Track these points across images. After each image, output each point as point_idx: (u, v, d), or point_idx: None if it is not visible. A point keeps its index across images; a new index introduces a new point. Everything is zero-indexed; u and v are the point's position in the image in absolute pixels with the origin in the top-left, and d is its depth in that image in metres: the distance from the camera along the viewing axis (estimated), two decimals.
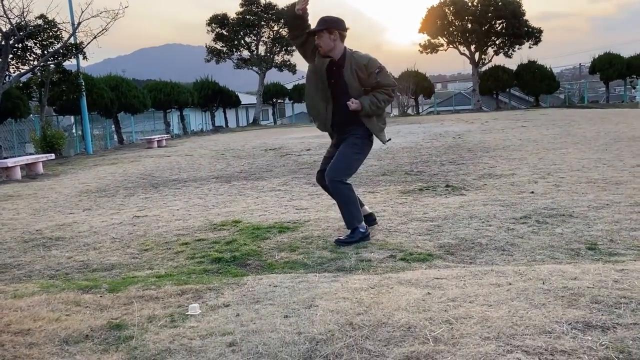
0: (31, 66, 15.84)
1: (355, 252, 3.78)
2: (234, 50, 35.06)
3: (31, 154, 16.48)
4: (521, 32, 32.84)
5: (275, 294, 2.86)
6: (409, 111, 36.05)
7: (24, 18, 14.17)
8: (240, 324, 2.44)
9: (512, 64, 35.44)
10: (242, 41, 34.81)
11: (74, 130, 22.80)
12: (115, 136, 22.73)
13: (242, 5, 34.23)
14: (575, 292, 2.58)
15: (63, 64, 17.21)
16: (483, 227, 4.28)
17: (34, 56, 16.03)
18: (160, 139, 19.40)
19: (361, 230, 4.03)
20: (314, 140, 15.08)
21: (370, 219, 4.44)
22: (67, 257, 4.20)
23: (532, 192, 5.67)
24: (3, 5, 13.40)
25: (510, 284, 2.76)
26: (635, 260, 3.20)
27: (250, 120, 37.88)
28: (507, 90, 35.49)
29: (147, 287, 3.12)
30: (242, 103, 37.33)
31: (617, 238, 3.77)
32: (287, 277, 3.20)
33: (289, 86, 39.66)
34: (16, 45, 14.97)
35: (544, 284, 2.73)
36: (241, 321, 2.48)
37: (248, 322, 2.46)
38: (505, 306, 2.46)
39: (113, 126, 22.98)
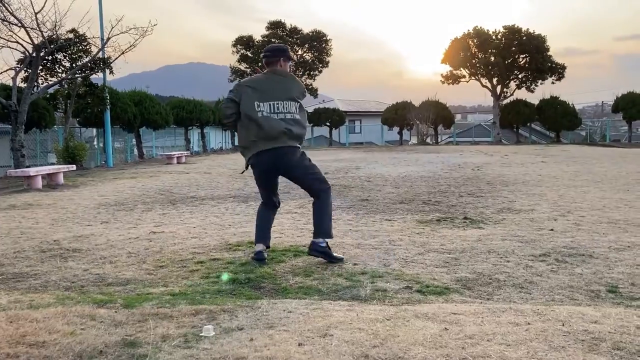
0: (59, 78, 16.18)
1: (371, 281, 3.74)
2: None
3: (53, 163, 16.74)
4: (544, 67, 32.78)
5: (289, 319, 2.83)
6: (428, 140, 36.02)
7: (56, 31, 14.52)
8: (254, 349, 2.42)
9: (534, 98, 35.26)
10: None
11: (95, 143, 23.15)
12: (136, 150, 23.01)
13: (267, 28, 34.80)
14: (596, 337, 2.52)
15: (90, 77, 17.56)
16: (501, 263, 4.23)
17: (63, 68, 16.38)
18: (180, 155, 19.58)
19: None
20: (332, 164, 15.11)
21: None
22: (83, 269, 4.23)
23: (552, 230, 5.60)
24: (37, 19, 13.76)
25: (529, 323, 2.71)
26: None
27: None
28: (528, 124, 35.32)
29: (161, 304, 3.12)
30: None
31: (639, 282, 3.69)
32: (301, 303, 3.17)
33: (310, 109, 39.93)
34: (46, 57, 15.32)
35: (563, 325, 2.67)
36: (255, 346, 2.46)
37: (262, 348, 2.44)
38: (524, 347, 2.40)
39: (134, 140, 23.28)
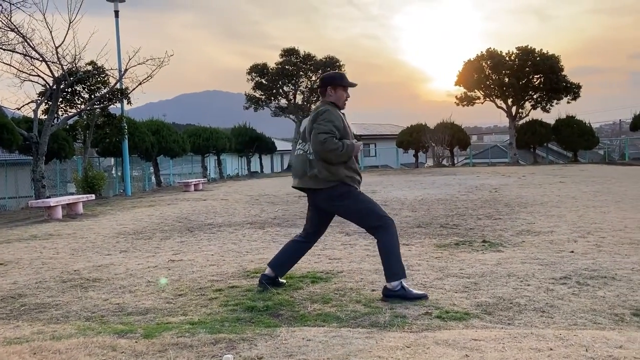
0: (78, 109, 16.52)
1: (390, 307, 3.72)
2: (272, 98, 35.91)
3: (72, 193, 16.99)
4: (559, 87, 32.67)
5: (308, 348, 2.83)
6: (444, 162, 35.92)
7: (75, 64, 14.88)
8: None
9: (550, 118, 35.07)
10: (281, 90, 35.66)
11: (113, 172, 23.47)
12: (154, 178, 23.27)
13: (282, 55, 35.25)
14: None
15: (108, 108, 17.90)
16: (521, 287, 4.18)
17: (82, 100, 16.73)
18: (197, 182, 19.76)
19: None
20: None
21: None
22: (103, 299, 4.27)
23: (572, 252, 5.53)
24: (57, 53, 14.13)
25: (551, 349, 2.67)
26: None
27: (285, 167, 38.32)
28: (545, 144, 35.09)
29: (181, 334, 3.13)
30: (277, 149, 37.91)
31: None
32: (320, 330, 3.16)
33: None
34: (66, 89, 15.68)
35: (587, 350, 2.63)
36: None
37: None
38: None
39: (152, 168, 23.56)
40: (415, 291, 4.00)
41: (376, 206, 4.09)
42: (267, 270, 4.39)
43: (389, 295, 3.93)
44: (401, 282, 3.94)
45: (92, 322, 3.64)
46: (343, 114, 4.22)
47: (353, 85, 4.26)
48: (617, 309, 3.55)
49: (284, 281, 4.48)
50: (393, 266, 3.95)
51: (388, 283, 3.98)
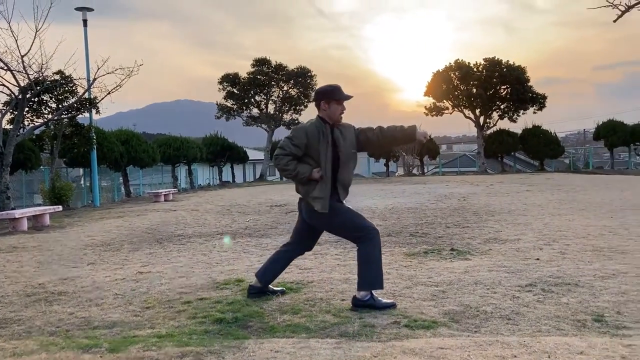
0: (45, 119, 16.19)
1: (359, 316, 3.74)
2: (244, 108, 35.79)
3: (39, 204, 16.61)
4: (525, 97, 33.40)
5: None
6: (414, 171, 36.30)
7: (42, 73, 14.61)
8: None
9: (517, 128, 35.78)
10: (252, 99, 35.58)
11: (82, 182, 23.04)
12: (123, 189, 22.92)
13: (253, 65, 35.20)
14: None
15: (76, 117, 17.59)
16: (488, 294, 4.25)
17: (49, 110, 16.41)
18: (167, 193, 19.53)
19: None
20: None
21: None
22: (68, 313, 4.18)
23: (538, 259, 5.65)
24: (23, 62, 13.85)
25: (515, 356, 2.72)
26: None
27: (257, 176, 38.18)
28: (512, 153, 35.78)
29: (147, 347, 3.09)
30: (249, 159, 37.75)
31: (624, 310, 3.73)
32: (289, 342, 3.16)
33: None
34: (32, 99, 15.37)
35: (549, 357, 2.69)
36: None
37: None
38: None
39: (121, 179, 23.20)
40: (384, 300, 4.03)
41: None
42: (254, 280, 4.36)
43: (358, 304, 3.96)
44: (371, 292, 3.97)
45: (56, 337, 3.56)
46: (339, 128, 4.11)
47: (348, 98, 4.12)
48: (579, 315, 3.64)
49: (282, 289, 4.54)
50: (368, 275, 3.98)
51: (357, 292, 4.01)
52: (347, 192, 4.18)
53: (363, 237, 4.03)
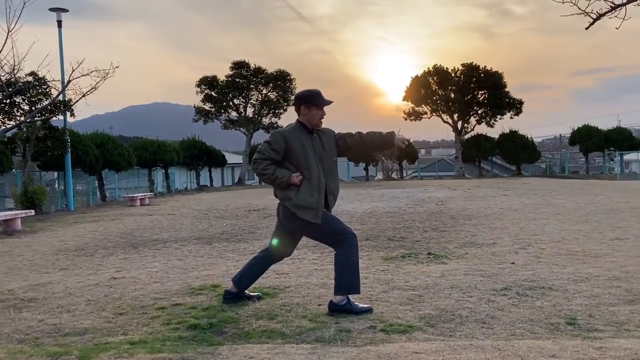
0: (18, 122, 15.88)
1: (335, 321, 3.73)
2: (222, 111, 35.57)
3: (10, 209, 16.26)
4: (503, 102, 33.83)
5: None
6: (393, 175, 36.49)
7: (14, 75, 14.34)
8: None
9: (494, 132, 36.22)
10: (231, 103, 35.40)
11: (56, 186, 22.63)
12: (98, 193, 22.58)
13: (232, 68, 35.02)
14: None
15: (50, 120, 17.28)
16: (464, 298, 4.27)
17: (22, 112, 16.10)
18: (143, 197, 19.28)
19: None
20: None
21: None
22: (38, 320, 4.08)
23: (513, 263, 5.70)
24: None
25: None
26: (613, 338, 3.19)
27: (236, 180, 37.98)
28: (489, 158, 36.20)
29: (119, 354, 3.04)
30: (228, 162, 37.52)
31: (596, 313, 3.78)
32: (263, 347, 3.13)
33: None
34: (4, 101, 15.07)
35: None
36: None
37: None
38: None
39: (96, 183, 22.86)
40: (360, 305, 4.02)
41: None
42: (230, 285, 4.32)
43: (334, 309, 3.94)
44: (347, 297, 3.96)
45: (24, 344, 3.48)
46: (318, 133, 4.11)
47: (328, 103, 4.11)
48: (552, 319, 3.68)
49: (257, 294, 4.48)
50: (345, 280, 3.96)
51: (334, 297, 4.00)
52: (336, 200, 4.20)
53: (341, 241, 4.03)
